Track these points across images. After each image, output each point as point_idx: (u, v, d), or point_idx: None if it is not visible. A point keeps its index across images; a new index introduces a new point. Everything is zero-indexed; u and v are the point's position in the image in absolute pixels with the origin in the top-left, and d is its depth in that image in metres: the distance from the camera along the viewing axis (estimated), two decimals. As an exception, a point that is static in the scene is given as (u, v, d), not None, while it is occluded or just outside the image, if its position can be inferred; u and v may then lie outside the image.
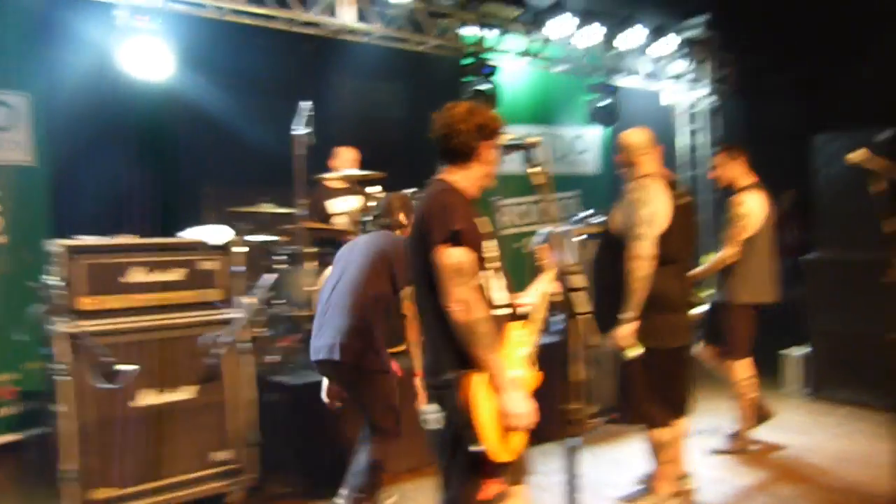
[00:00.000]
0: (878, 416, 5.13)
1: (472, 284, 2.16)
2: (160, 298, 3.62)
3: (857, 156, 3.06)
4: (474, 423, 2.14)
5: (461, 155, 2.35)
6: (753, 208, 4.39)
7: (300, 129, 4.43)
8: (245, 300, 3.87)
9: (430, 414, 2.29)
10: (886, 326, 2.84)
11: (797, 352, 6.01)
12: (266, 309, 4.69)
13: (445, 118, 2.36)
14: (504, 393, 2.17)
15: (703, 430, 4.87)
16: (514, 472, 2.43)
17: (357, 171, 5.13)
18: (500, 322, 2.35)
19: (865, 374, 5.26)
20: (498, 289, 2.37)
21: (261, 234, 5.15)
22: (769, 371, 6.16)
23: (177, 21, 5.04)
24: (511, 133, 2.31)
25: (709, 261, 4.46)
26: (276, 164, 5.30)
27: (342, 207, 5.37)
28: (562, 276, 1.59)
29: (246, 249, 3.91)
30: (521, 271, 3.57)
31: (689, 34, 7.89)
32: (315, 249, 4.97)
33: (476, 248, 2.25)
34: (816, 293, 5.81)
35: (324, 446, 3.98)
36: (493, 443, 2.18)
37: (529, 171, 1.96)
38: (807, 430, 4.96)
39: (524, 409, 2.19)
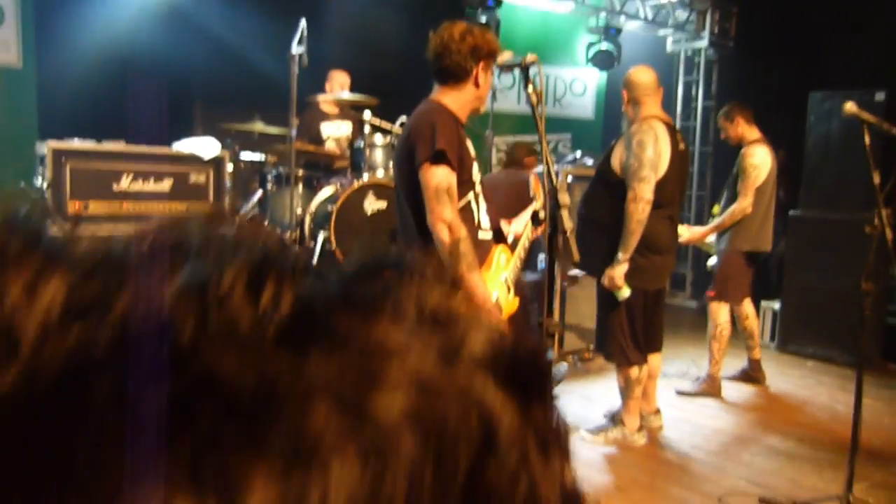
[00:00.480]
0: (842, 371, 5.33)
1: (454, 204, 2.20)
2: (147, 208, 3.63)
3: (851, 107, 3.10)
4: None
5: (453, 75, 2.35)
6: (763, 160, 4.51)
7: (296, 47, 4.35)
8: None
9: None
10: (863, 277, 2.91)
11: (768, 305, 6.15)
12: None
13: (441, 37, 2.35)
14: None
15: (673, 372, 5.03)
16: None
17: (349, 96, 5.08)
18: (483, 245, 2.39)
19: (833, 329, 5.42)
20: (483, 212, 2.40)
21: (251, 152, 5.11)
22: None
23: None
24: (508, 53, 2.31)
25: (726, 212, 4.52)
26: (268, 82, 5.23)
27: (334, 132, 5.33)
28: (550, 193, 1.62)
29: (236, 163, 3.90)
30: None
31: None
32: (304, 172, 4.96)
33: (461, 168, 2.27)
34: (795, 250, 5.92)
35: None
36: None
37: (527, 90, 1.96)
38: (771, 380, 5.12)
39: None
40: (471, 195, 2.36)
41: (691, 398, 4.63)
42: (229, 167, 4.53)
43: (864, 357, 3.15)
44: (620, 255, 3.41)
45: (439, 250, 2.21)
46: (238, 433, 0.19)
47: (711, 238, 4.76)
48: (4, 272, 0.20)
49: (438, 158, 2.19)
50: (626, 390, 3.69)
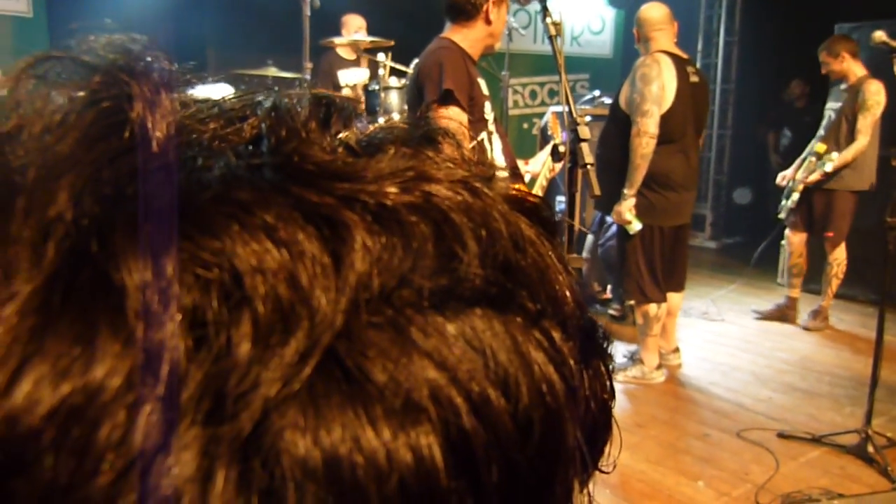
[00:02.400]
0: (864, 309, 5.30)
1: (466, 145, 2.17)
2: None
3: (880, 35, 3.01)
4: None
5: (463, 12, 2.31)
6: (883, 96, 4.37)
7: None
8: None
9: None
10: (888, 211, 2.87)
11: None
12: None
13: None
14: None
15: (693, 311, 5.03)
16: None
17: (364, 38, 5.00)
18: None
19: (856, 268, 5.35)
20: (497, 151, 2.38)
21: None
22: (773, 261, 6.29)
23: None
24: None
25: (849, 150, 4.41)
26: (281, 27, 5.15)
27: (352, 78, 5.27)
28: (571, 127, 1.59)
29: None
30: (529, 152, 3.58)
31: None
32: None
33: (473, 107, 2.24)
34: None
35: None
36: None
37: (546, 21, 1.91)
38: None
39: None
40: (483, 134, 2.34)
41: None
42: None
43: (886, 292, 3.11)
44: (626, 190, 3.41)
45: None
46: (335, 193, 0.23)
47: (799, 175, 4.69)
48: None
49: (446, 99, 2.16)
50: (644, 328, 3.70)
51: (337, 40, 5.10)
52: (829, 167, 4.43)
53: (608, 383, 0.31)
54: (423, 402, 0.21)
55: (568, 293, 0.28)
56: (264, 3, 5.65)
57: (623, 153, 3.42)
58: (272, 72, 4.86)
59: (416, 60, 5.00)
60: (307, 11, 4.23)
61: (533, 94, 7.41)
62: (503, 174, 0.29)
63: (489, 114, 2.35)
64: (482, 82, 2.34)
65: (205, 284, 0.21)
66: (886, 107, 4.43)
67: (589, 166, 1.56)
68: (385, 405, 0.21)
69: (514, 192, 0.29)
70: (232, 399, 0.20)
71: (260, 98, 0.28)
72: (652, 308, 3.61)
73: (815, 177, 4.53)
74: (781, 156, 7.74)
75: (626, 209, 3.43)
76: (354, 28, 5.20)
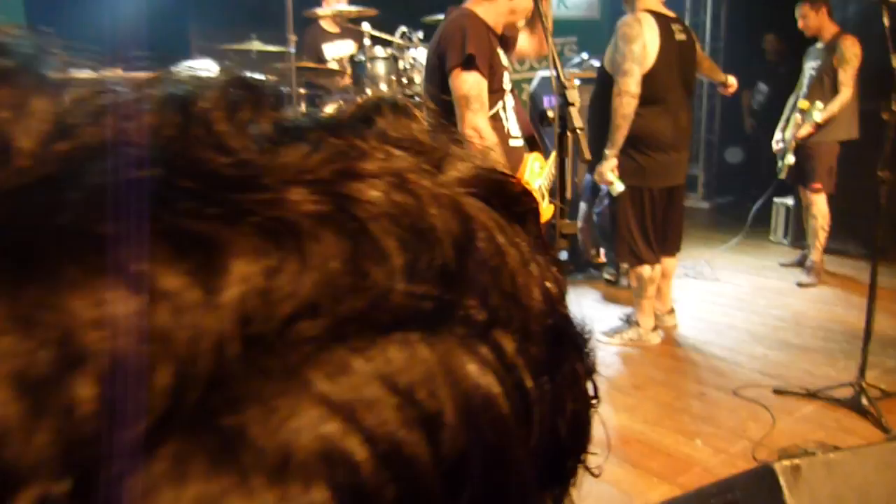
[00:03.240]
0: (857, 263, 5.33)
1: (484, 112, 2.18)
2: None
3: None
4: None
5: None
6: (860, 52, 4.53)
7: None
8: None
9: None
10: (879, 164, 2.87)
11: (781, 202, 6.12)
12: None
13: None
14: None
15: (688, 272, 5.06)
16: None
17: (348, 7, 4.93)
18: (514, 153, 2.38)
19: (847, 222, 5.37)
20: (513, 120, 2.38)
21: (249, 73, 5.01)
22: (766, 220, 6.32)
23: None
24: None
25: (834, 104, 4.56)
26: (265, 2, 5.07)
27: (336, 52, 5.21)
28: (559, 91, 1.58)
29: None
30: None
31: None
32: (306, 91, 4.88)
33: (492, 77, 2.23)
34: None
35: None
36: None
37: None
38: (787, 275, 5.14)
39: None
40: (500, 104, 2.33)
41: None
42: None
43: (878, 246, 3.13)
44: (607, 151, 3.40)
45: None
46: (219, 210, 0.19)
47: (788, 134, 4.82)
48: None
49: (469, 64, 2.15)
50: (638, 290, 3.72)
51: (320, 11, 5.02)
52: (818, 117, 4.56)
53: (585, 390, 0.28)
54: (313, 464, 0.18)
55: (535, 289, 0.25)
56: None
57: (603, 115, 3.42)
58: (256, 46, 4.79)
59: (402, 28, 4.96)
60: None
61: (521, 59, 7.33)
62: (469, 156, 0.25)
63: (507, 84, 2.34)
64: (502, 53, 2.33)
65: (30, 346, 0.17)
66: (872, 60, 4.44)
67: (579, 131, 1.55)
68: (265, 471, 0.17)
69: (476, 170, 0.25)
70: (81, 470, 0.17)
71: (155, 87, 0.23)
72: (646, 270, 3.62)
73: (806, 130, 4.63)
74: (757, 114, 7.76)
75: (608, 169, 3.42)
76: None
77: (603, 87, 3.54)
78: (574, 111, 1.56)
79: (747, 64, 8.13)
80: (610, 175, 3.43)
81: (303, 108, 4.80)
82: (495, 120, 2.31)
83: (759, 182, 8.01)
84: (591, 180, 3.88)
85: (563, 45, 7.66)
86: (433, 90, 2.29)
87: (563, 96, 1.58)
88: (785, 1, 5.59)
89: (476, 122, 2.15)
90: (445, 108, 2.24)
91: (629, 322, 3.88)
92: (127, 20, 5.61)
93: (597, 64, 5.11)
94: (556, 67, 1.64)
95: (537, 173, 2.44)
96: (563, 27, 7.57)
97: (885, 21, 2.83)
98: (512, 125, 2.39)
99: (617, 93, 3.34)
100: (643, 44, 3.32)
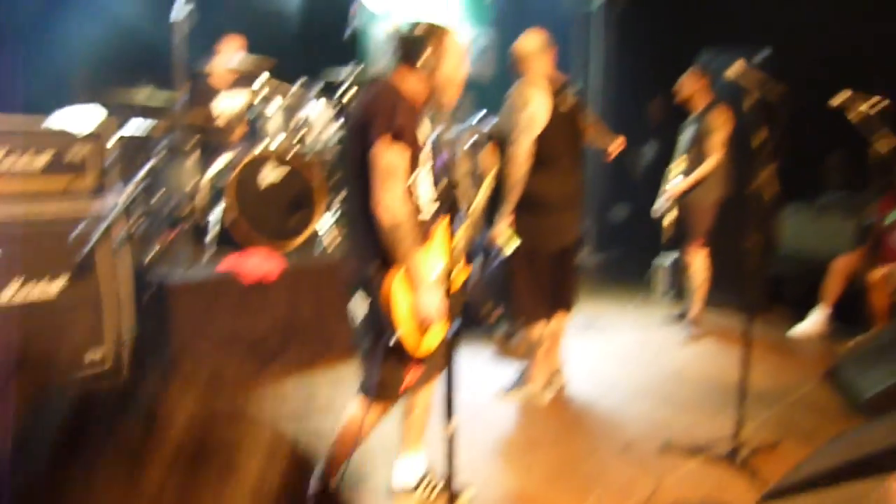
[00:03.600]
0: (732, 316, 5.65)
1: (401, 186, 2.20)
2: (20, 187, 3.36)
3: (734, 70, 3.23)
4: (393, 318, 2.25)
5: (408, 59, 2.33)
6: (728, 120, 4.97)
7: (182, 7, 4.10)
8: (120, 190, 3.66)
9: (355, 305, 2.37)
10: (748, 234, 3.06)
11: (661, 260, 6.43)
12: (144, 201, 4.47)
13: (398, 24, 2.35)
14: (419, 292, 2.26)
15: (576, 328, 5.19)
16: (430, 366, 2.54)
17: (244, 60, 4.86)
18: (426, 223, 2.40)
19: (723, 279, 5.69)
20: (426, 189, 2.40)
21: (138, 122, 4.83)
22: (645, 276, 6.62)
23: None
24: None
25: (705, 165, 4.98)
26: (156, 49, 4.91)
27: (230, 103, 5.11)
28: (448, 174, 1.59)
29: (120, 135, 3.67)
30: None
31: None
32: (198, 142, 4.74)
33: (413, 150, 2.26)
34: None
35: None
36: (410, 337, 2.30)
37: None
38: (667, 330, 5.37)
39: (437, 307, 2.28)
40: (415, 176, 2.34)
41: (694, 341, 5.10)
42: (114, 138, 4.28)
43: (752, 306, 3.31)
44: (500, 212, 3.52)
45: (381, 233, 2.21)
46: None
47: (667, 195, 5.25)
48: None
49: (394, 136, 2.16)
50: (531, 349, 3.77)
51: (215, 64, 4.93)
52: (679, 178, 5.08)
53: None
54: None
55: None
56: (137, 23, 5.38)
57: (502, 179, 3.51)
58: (146, 95, 4.62)
59: (301, 79, 4.92)
60: (181, 32, 4.06)
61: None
62: None
63: (424, 155, 2.38)
64: (423, 127, 2.38)
65: None
66: (740, 132, 4.85)
67: (471, 211, 1.56)
68: None
69: None
70: None
71: None
72: (538, 329, 3.68)
73: (678, 188, 5.08)
74: (644, 173, 8.20)
75: (501, 231, 3.52)
76: (234, 49, 5.03)
77: (502, 150, 3.61)
78: (462, 191, 1.57)
79: (634, 125, 8.61)
80: (503, 236, 3.52)
81: (196, 158, 4.65)
82: (411, 190, 2.33)
83: (644, 238, 8.43)
84: (484, 238, 3.96)
85: (460, 102, 7.83)
86: (352, 161, 2.29)
87: (449, 176, 1.59)
88: (669, 67, 6.00)
89: (388, 198, 2.17)
90: (364, 178, 2.23)
91: (522, 380, 3.92)
92: (4, 61, 5.30)
93: (491, 122, 5.27)
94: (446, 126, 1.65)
95: (451, 238, 2.45)
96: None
97: (749, 102, 3.05)
98: (426, 195, 2.42)
99: (509, 157, 3.44)
100: (533, 110, 3.44)
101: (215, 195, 4.55)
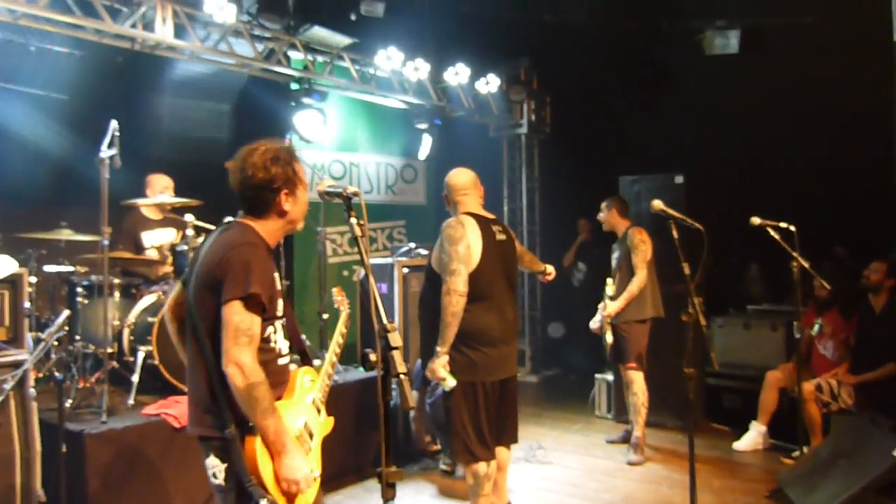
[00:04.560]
0: (674, 436, 5.64)
1: (251, 346, 2.05)
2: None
3: (658, 205, 3.38)
4: (262, 479, 2.04)
5: (257, 208, 2.22)
6: (648, 238, 5.18)
7: (106, 150, 4.06)
8: (34, 339, 3.45)
9: (212, 468, 2.14)
10: (684, 361, 3.09)
11: (602, 378, 6.44)
12: (63, 347, 4.23)
13: (239, 166, 2.20)
14: (281, 458, 2.07)
15: (520, 455, 5.06)
16: None
17: (171, 199, 4.80)
18: (285, 370, 2.28)
19: (662, 397, 5.73)
20: (283, 338, 2.28)
21: (59, 262, 4.66)
22: (586, 395, 6.59)
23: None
24: (330, 181, 2.21)
25: (632, 285, 5.09)
26: (79, 185, 4.83)
27: (156, 240, 5.01)
28: (381, 333, 1.54)
29: (35, 281, 3.50)
30: (350, 300, 3.50)
31: (509, 73, 8.24)
32: (122, 281, 4.59)
33: (270, 304, 2.14)
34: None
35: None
36: (280, 497, 2.08)
37: (350, 221, 1.89)
38: (611, 453, 5.30)
39: (302, 473, 2.10)
40: (271, 328, 2.22)
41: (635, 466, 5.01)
42: (31, 281, 4.10)
43: (692, 429, 3.28)
44: (438, 348, 3.43)
45: (234, 393, 2.04)
46: None
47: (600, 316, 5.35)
48: None
49: (248, 301, 2.04)
50: (475, 487, 3.60)
51: (140, 202, 4.86)
52: (609, 291, 5.22)
53: None
54: None
55: None
56: (61, 160, 5.31)
57: (436, 312, 3.47)
58: (66, 234, 4.49)
59: (228, 218, 4.89)
60: (106, 174, 4.00)
61: (351, 242, 7.48)
62: None
63: (280, 309, 2.24)
64: (277, 276, 2.24)
65: None
66: (671, 258, 5.01)
67: (402, 376, 1.51)
68: None
69: None
70: None
71: None
72: (482, 467, 3.54)
73: (611, 309, 5.15)
74: (577, 291, 8.40)
75: (440, 366, 3.42)
76: (160, 188, 4.98)
77: (431, 285, 3.61)
78: (397, 356, 1.53)
79: (561, 244, 8.86)
80: (442, 371, 3.42)
81: (117, 297, 4.48)
82: (266, 342, 2.19)
83: (580, 355, 8.49)
84: (422, 370, 3.85)
85: (392, 228, 7.94)
86: (202, 312, 2.11)
87: (385, 339, 1.55)
88: (589, 191, 6.27)
89: (240, 358, 2.01)
90: (216, 333, 2.08)
91: (467, 521, 3.73)
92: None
93: (424, 252, 5.31)
94: (377, 309, 1.62)
95: (308, 388, 2.37)
96: (392, 212, 7.90)
97: (674, 233, 3.17)
98: (282, 345, 2.29)
99: (446, 292, 3.42)
100: (467, 244, 3.47)
101: (140, 335, 4.36)
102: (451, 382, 3.42)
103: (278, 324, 2.24)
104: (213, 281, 2.07)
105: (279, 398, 2.20)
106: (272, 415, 2.05)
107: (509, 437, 3.70)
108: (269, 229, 2.24)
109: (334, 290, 3.45)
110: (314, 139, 6.48)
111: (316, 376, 2.43)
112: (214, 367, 2.07)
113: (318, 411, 2.37)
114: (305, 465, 2.11)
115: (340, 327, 2.75)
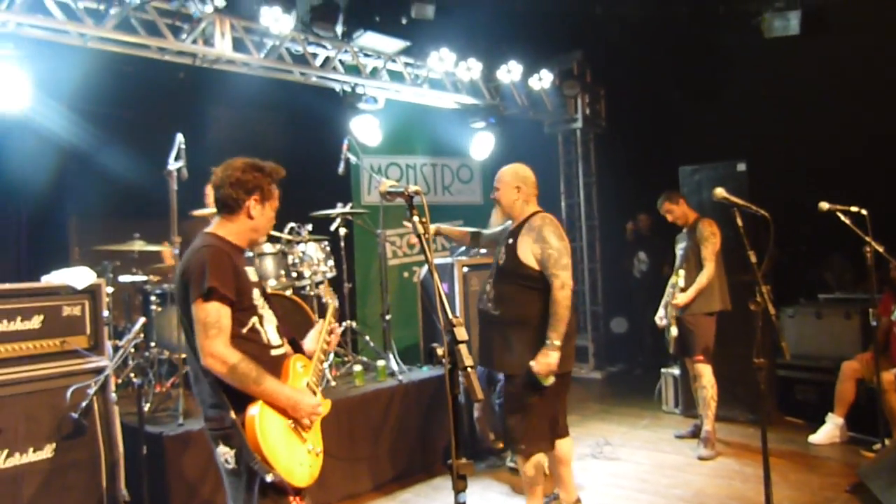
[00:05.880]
0: (745, 430, 5.50)
1: (222, 337, 2.25)
2: (16, 349, 3.32)
3: (720, 193, 3.33)
4: (265, 456, 2.22)
5: (228, 207, 2.46)
6: (717, 230, 5.11)
7: (173, 163, 4.21)
8: (112, 346, 3.61)
9: (223, 455, 2.33)
10: (754, 352, 3.02)
11: (668, 372, 6.32)
12: (139, 353, 4.42)
13: (221, 170, 2.49)
14: (291, 404, 2.33)
15: (587, 452, 5.02)
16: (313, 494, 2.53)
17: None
18: (278, 360, 2.46)
19: (732, 391, 5.60)
20: (271, 329, 2.48)
21: (132, 272, 4.86)
22: (652, 389, 6.49)
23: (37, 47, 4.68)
24: (391, 181, 2.32)
25: (701, 278, 5.01)
26: (149, 198, 5.03)
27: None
28: (447, 328, 1.56)
29: (111, 291, 3.66)
30: (411, 301, 3.54)
31: (561, 68, 8.18)
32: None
33: (240, 295, 2.33)
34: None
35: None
36: (286, 469, 2.28)
37: (413, 220, 1.92)
38: (680, 448, 5.20)
39: (311, 402, 2.39)
40: (254, 319, 2.41)
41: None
42: (108, 291, 4.28)
43: (765, 422, 3.20)
44: (556, 342, 3.35)
45: (223, 380, 2.25)
46: None
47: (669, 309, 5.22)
48: None
49: (208, 295, 2.24)
50: (535, 478, 3.57)
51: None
52: (681, 283, 5.07)
53: None
54: None
55: None
56: (130, 175, 5.53)
57: (532, 309, 3.44)
58: (138, 245, 4.68)
59: (290, 225, 5.00)
60: (174, 186, 4.15)
61: (410, 244, 7.55)
62: None
63: (258, 299, 2.46)
64: (250, 270, 2.48)
65: None
66: (735, 241, 4.87)
67: (469, 369, 1.53)
68: None
69: None
70: None
71: None
72: (543, 458, 3.56)
73: (680, 299, 5.04)
74: (639, 282, 8.32)
75: (556, 360, 3.35)
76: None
77: (517, 281, 3.53)
78: (464, 349, 1.55)
79: (619, 239, 8.76)
80: (557, 366, 3.37)
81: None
82: (253, 333, 2.40)
83: (645, 350, 8.36)
84: (484, 370, 3.83)
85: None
86: (185, 318, 2.36)
87: (451, 333, 1.57)
88: (648, 183, 6.17)
89: (213, 348, 2.23)
90: (190, 331, 2.33)
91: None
92: (3, 220, 5.41)
93: (483, 252, 5.31)
94: (442, 306, 1.64)
95: (301, 373, 2.51)
96: (449, 213, 7.93)
97: (739, 221, 3.10)
98: (272, 335, 2.48)
99: (560, 286, 3.40)
100: (566, 240, 3.50)
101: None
102: (552, 378, 3.39)
103: (266, 315, 2.46)
104: (183, 289, 2.33)
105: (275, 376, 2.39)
106: (264, 379, 2.27)
107: (565, 428, 3.69)
108: (238, 230, 2.48)
109: (321, 286, 3.52)
110: (370, 143, 6.57)
111: (308, 362, 2.58)
112: (200, 368, 2.30)
113: (314, 393, 2.52)
114: (311, 398, 2.41)
115: (329, 318, 2.87)
